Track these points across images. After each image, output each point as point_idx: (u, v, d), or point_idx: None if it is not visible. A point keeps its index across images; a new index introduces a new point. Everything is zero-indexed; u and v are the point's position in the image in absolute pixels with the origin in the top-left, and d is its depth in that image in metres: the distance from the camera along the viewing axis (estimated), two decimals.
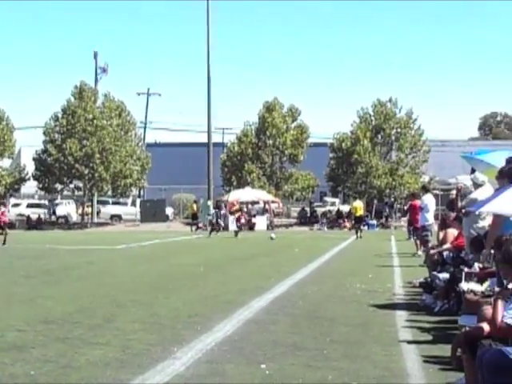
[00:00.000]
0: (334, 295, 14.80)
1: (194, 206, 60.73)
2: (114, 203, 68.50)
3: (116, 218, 65.49)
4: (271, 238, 37.79)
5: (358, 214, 40.83)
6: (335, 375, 7.94)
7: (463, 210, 13.17)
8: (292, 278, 18.21)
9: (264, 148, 64.78)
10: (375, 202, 63.93)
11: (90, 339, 9.96)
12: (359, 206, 41.48)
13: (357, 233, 39.64)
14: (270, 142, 64.57)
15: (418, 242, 25.79)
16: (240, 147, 64.84)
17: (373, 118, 64.70)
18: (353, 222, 43.83)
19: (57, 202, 67.15)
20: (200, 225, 58.54)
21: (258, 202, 63.04)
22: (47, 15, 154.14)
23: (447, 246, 14.57)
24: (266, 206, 62.16)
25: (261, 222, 58.23)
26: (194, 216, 59.78)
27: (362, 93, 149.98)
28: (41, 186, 64.06)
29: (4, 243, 29.57)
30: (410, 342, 9.75)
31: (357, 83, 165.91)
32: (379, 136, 64.87)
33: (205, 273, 19.98)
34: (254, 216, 59.45)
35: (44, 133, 63.07)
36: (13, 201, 67.42)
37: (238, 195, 59.61)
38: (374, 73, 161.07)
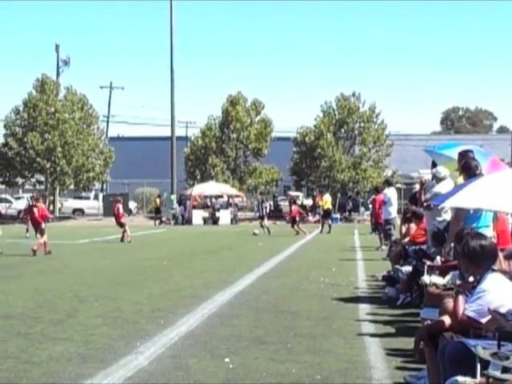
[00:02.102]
0: (297, 289, 14.84)
1: (158, 200, 60.62)
2: (76, 197, 68.08)
3: (78, 212, 65.08)
4: (254, 234, 36.90)
5: (326, 207, 40.71)
6: (299, 368, 7.96)
7: (425, 204, 13.26)
8: (256, 271, 18.24)
9: (228, 142, 64.76)
10: (338, 195, 64.16)
11: (51, 334, 9.90)
12: (328, 199, 41.31)
13: (322, 226, 39.50)
14: (234, 135, 64.58)
15: (382, 235, 25.93)
16: (204, 141, 64.75)
17: (336, 112, 64.90)
18: (321, 215, 43.58)
19: (18, 196, 66.55)
20: (163, 219, 58.46)
21: (221, 196, 63.02)
22: (8, 6, 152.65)
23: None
24: (230, 200, 62.16)
25: (225, 216, 58.21)
26: (158, 210, 59.68)
27: (326, 87, 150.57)
28: (1, 179, 63.50)
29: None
30: (372, 335, 9.81)
31: (320, 77, 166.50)
32: (342, 130, 65.12)
33: (168, 267, 19.94)
34: (218, 210, 59.40)
35: (5, 126, 62.47)
36: None
37: (201, 189, 59.58)
38: (337, 67, 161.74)
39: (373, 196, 30.73)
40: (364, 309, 12.17)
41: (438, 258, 10.95)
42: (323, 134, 62.84)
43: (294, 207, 37.77)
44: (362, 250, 26.47)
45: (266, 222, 40.75)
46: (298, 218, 37.08)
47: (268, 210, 40.06)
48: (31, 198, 28.93)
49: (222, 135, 64.98)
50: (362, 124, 64.55)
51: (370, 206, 32.22)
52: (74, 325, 10.63)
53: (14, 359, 8.41)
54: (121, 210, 32.02)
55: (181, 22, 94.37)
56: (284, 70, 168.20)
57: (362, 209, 64.43)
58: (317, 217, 51.33)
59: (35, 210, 25.66)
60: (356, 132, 64.98)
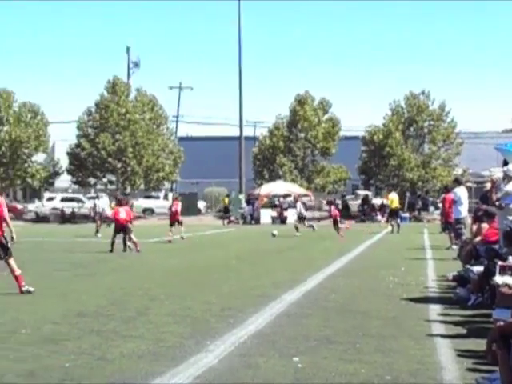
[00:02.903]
0: (366, 288, 14.76)
1: (226, 200, 60.92)
2: (147, 197, 68.73)
3: (148, 211, 65.70)
4: (273, 235, 35.63)
5: (393, 207, 40.17)
6: (368, 368, 7.92)
7: (496, 203, 13.08)
8: (324, 271, 18.20)
9: (296, 141, 64.78)
10: (408, 194, 63.66)
11: (123, 332, 10.03)
12: (395, 198, 40.68)
13: (392, 226, 38.91)
14: (302, 135, 64.59)
15: (452, 235, 25.63)
16: (272, 140, 64.88)
17: (405, 110, 64.50)
18: (387, 214, 43.06)
19: (94, 195, 67.54)
20: (232, 218, 58.70)
21: (289, 195, 63.02)
22: (81, 10, 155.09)
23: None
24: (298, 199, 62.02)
25: (293, 215, 58.14)
26: (226, 209, 59.96)
27: (395, 85, 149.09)
28: (74, 180, 64.52)
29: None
30: (443, 336, 9.70)
31: (389, 76, 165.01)
32: (411, 129, 64.69)
33: (237, 266, 20.03)
34: (286, 209, 59.40)
35: (78, 127, 63.53)
36: (47, 195, 67.89)
37: (269, 188, 59.67)
38: (406, 65, 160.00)
39: (443, 195, 30.38)
40: (434, 309, 12.05)
41: (511, 257, 10.80)
42: (392, 132, 62.48)
43: (333, 208, 37.22)
44: (431, 249, 26.23)
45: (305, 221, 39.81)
46: (338, 219, 36.58)
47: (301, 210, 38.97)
48: (116, 199, 29.45)
49: (290, 134, 65.01)
50: (432, 122, 64.01)
51: (440, 205, 31.85)
52: (145, 323, 10.74)
53: (88, 356, 8.55)
54: (179, 208, 32.18)
55: (249, 22, 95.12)
56: (352, 68, 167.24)
57: (431, 208, 63.77)
58: (385, 216, 50.85)
59: (121, 211, 26.01)
60: (425, 130, 64.45)
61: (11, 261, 14.22)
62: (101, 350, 8.83)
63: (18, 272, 14.15)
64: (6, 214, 14.26)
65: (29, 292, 13.89)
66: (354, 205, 65.64)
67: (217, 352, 8.72)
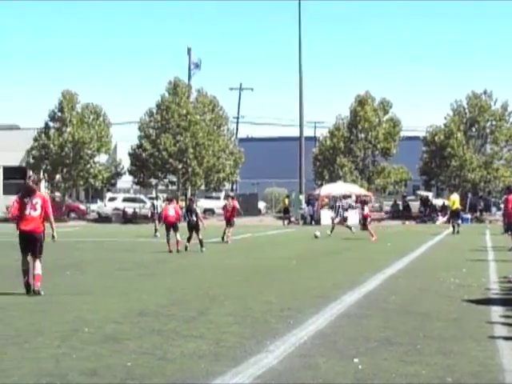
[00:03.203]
0: (427, 290, 14.66)
1: (286, 200, 60.95)
2: (207, 197, 69.06)
3: (209, 211, 66.00)
4: (316, 236, 34.91)
5: (454, 208, 39.41)
6: (429, 370, 7.87)
7: None
8: (384, 272, 18.13)
9: (356, 142, 64.54)
10: (469, 195, 62.99)
11: (184, 332, 10.11)
12: (456, 199, 40.02)
13: (453, 227, 38.25)
14: (362, 135, 64.33)
15: None
16: (332, 141, 64.73)
17: (467, 110, 63.85)
18: (448, 215, 42.27)
19: (152, 196, 68.21)
20: (292, 219, 58.72)
21: (350, 196, 62.79)
22: (142, 12, 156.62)
23: None
24: (358, 200, 61.80)
25: (353, 216, 57.94)
26: (286, 210, 59.99)
27: (456, 85, 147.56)
28: (136, 180, 65.12)
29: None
30: (505, 338, 9.60)
31: (451, 75, 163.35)
32: (473, 129, 64.03)
33: (297, 266, 20.04)
34: (346, 210, 59.16)
35: (139, 128, 64.11)
36: (109, 195, 68.72)
37: (330, 189, 59.55)
38: (468, 64, 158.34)
39: (505, 196, 30.01)
40: (496, 311, 11.92)
41: None
42: (453, 132, 61.94)
43: (365, 208, 36.66)
44: (493, 250, 25.92)
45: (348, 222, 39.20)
46: (369, 219, 35.94)
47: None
48: (167, 199, 29.68)
49: (351, 135, 64.80)
50: (494, 122, 63.25)
51: (502, 205, 31.45)
52: (206, 323, 10.81)
53: (149, 355, 8.63)
54: (237, 206, 32.20)
55: (309, 22, 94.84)
56: (412, 68, 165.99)
57: (493, 209, 62.99)
58: (446, 217, 50.34)
59: (170, 209, 26.32)
60: (487, 131, 63.70)
61: (38, 260, 14.22)
62: (162, 350, 8.92)
63: (39, 271, 14.10)
64: (50, 213, 14.34)
65: (39, 293, 13.82)
66: (415, 205, 65.24)
67: (277, 352, 8.75)
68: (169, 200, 27.79)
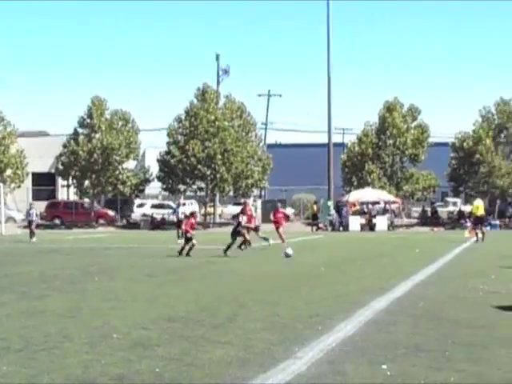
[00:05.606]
0: (455, 296, 14.60)
1: (315, 207, 60.89)
2: (236, 204, 69.11)
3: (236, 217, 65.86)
4: (287, 255, 25.50)
5: (478, 214, 37.05)
6: (458, 377, 7.84)
7: None
8: (413, 278, 18.06)
9: (384, 148, 64.31)
10: (498, 201, 62.62)
11: (212, 338, 10.13)
12: (480, 205, 37.74)
13: (477, 235, 36.13)
14: (391, 141, 64.08)
15: None
16: (360, 147, 64.58)
17: (495, 116, 63.53)
18: (472, 222, 40.87)
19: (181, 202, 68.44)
20: (320, 225, 58.64)
21: (378, 203, 62.66)
22: (171, 19, 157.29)
23: None
24: (387, 206, 61.72)
25: (381, 223, 57.85)
26: (315, 216, 59.94)
27: (484, 91, 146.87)
28: (164, 186, 65.31)
29: None
30: None
31: (479, 82, 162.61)
32: (502, 135, 63.66)
33: (325, 273, 20.03)
34: (375, 216, 59.11)
35: (168, 134, 64.29)
36: (137, 201, 68.97)
37: (358, 195, 59.46)
38: (497, 70, 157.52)
39: None
40: None
41: None
42: (482, 139, 61.63)
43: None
44: None
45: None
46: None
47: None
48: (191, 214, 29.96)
49: (379, 141, 64.60)
50: None
51: None
52: (234, 329, 10.84)
53: (177, 361, 8.66)
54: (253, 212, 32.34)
55: (338, 28, 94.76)
56: (441, 74, 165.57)
57: None
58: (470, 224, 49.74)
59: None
60: None
61: None
62: (190, 356, 8.95)
63: None
64: None
65: None
66: (444, 212, 65.01)
67: (305, 359, 8.75)
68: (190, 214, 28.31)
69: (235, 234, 27.31)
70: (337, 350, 9.33)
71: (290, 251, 25.36)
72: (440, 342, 9.73)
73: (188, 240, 26.55)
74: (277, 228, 34.15)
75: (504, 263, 22.73)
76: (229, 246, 26.67)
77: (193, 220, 27.39)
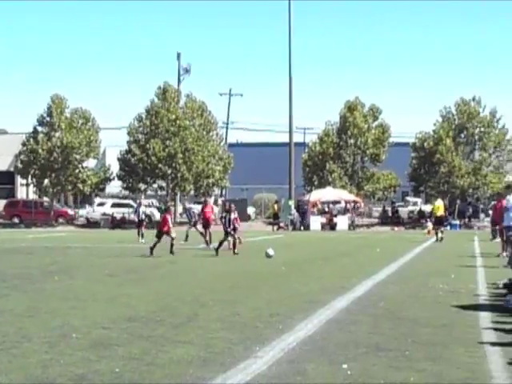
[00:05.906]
0: (415, 296, 14.69)
1: (276, 206, 60.99)
2: (196, 202, 68.95)
3: (198, 217, 65.70)
4: (268, 256, 25.21)
5: (438, 214, 37.48)
6: (418, 376, 7.87)
7: None
8: (373, 278, 18.14)
9: (345, 147, 64.62)
10: (458, 201, 63.19)
11: (173, 337, 10.09)
12: (441, 205, 38.16)
13: (437, 234, 36.75)
14: (352, 141, 64.40)
15: (503, 242, 25.30)
16: (321, 147, 64.81)
17: (456, 117, 64.07)
18: (432, 222, 41.35)
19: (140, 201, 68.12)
20: (281, 224, 58.75)
21: (339, 202, 62.94)
22: (132, 17, 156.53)
23: None
24: (348, 206, 62.01)
25: (342, 222, 58.09)
26: (276, 216, 60.04)
27: (445, 92, 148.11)
28: (125, 185, 65.00)
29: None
30: (494, 344, 9.61)
31: (439, 82, 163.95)
32: (462, 135, 64.24)
33: (286, 272, 20.03)
34: (336, 216, 59.34)
35: (128, 133, 64.03)
36: (97, 200, 68.57)
37: (319, 195, 59.65)
38: (457, 71, 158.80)
39: (493, 202, 30.04)
40: (485, 317, 11.93)
41: None
42: (442, 139, 62.15)
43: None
44: (482, 256, 25.97)
45: None
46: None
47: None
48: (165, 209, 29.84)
49: (340, 141, 64.89)
50: (483, 129, 63.48)
51: (491, 212, 31.42)
52: (195, 328, 10.80)
53: (138, 361, 8.61)
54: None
55: (299, 28, 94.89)
56: (402, 74, 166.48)
57: (482, 215, 63.22)
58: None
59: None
60: (476, 137, 63.94)
61: None
62: (150, 355, 8.90)
63: None
64: None
65: None
66: (404, 211, 65.48)
67: (266, 358, 8.74)
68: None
69: (227, 233, 26.88)
70: (297, 349, 9.32)
71: (271, 252, 25.14)
72: (400, 342, 9.77)
73: (230, 235, 26.81)
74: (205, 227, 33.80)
75: (464, 262, 22.94)
76: (220, 244, 26.48)
77: (168, 216, 27.10)
